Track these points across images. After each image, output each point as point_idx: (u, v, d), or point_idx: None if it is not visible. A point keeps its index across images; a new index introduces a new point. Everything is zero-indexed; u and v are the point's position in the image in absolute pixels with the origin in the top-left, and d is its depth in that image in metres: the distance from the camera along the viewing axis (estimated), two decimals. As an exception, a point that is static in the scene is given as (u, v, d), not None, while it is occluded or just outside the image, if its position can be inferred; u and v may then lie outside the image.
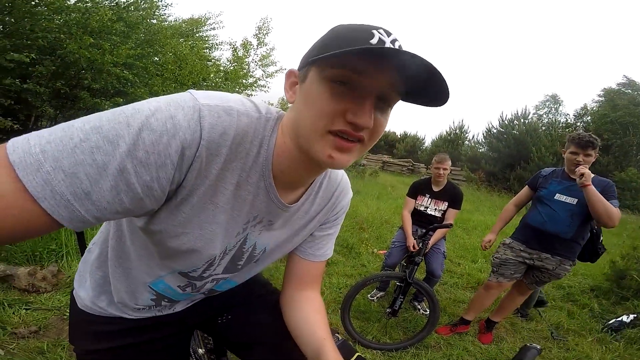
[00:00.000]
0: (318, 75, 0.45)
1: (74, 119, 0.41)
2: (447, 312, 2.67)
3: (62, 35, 3.57)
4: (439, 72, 0.41)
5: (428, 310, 2.14)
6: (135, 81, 4.45)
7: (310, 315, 0.70)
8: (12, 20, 3.35)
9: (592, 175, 1.80)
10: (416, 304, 2.62)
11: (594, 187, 1.76)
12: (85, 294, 0.69)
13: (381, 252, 3.90)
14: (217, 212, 0.53)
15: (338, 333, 0.82)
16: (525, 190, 2.20)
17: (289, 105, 0.53)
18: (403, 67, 0.41)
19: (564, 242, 1.94)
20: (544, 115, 17.53)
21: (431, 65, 0.40)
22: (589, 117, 15.36)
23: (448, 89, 0.43)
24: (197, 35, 8.34)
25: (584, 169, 1.76)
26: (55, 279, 1.96)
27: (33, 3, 3.60)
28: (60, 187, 0.36)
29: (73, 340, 0.73)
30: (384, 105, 0.48)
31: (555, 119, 16.91)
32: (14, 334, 1.53)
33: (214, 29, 8.93)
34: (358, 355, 0.76)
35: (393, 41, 0.44)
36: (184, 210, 0.49)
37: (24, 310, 1.69)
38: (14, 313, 1.66)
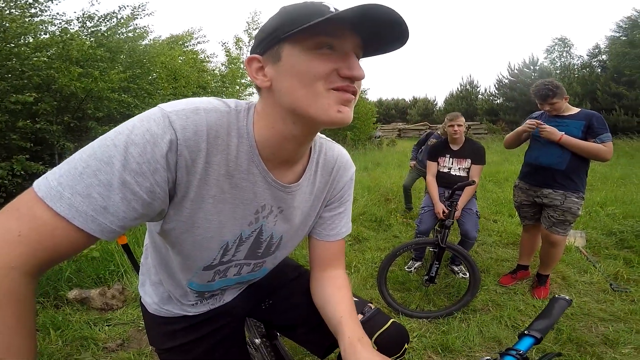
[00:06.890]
0: (298, 48, 0.50)
1: None
2: (491, 272, 2.54)
3: (51, 71, 3.64)
4: (396, 16, 0.46)
5: (468, 273, 2.06)
6: (135, 103, 4.50)
7: (331, 295, 0.73)
8: None
9: (567, 112, 1.98)
10: (454, 267, 2.53)
11: (566, 136, 1.89)
12: (150, 300, 0.78)
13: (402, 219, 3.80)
14: (218, 203, 0.57)
15: (371, 303, 0.84)
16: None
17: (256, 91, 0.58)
18: (372, 23, 0.48)
19: (560, 173, 1.98)
20: (556, 59, 16.52)
21: (386, 12, 0.45)
22: (604, 56, 14.05)
23: (407, 28, 0.49)
24: (185, 48, 8.18)
25: (545, 130, 1.91)
26: (123, 295, 2.14)
27: (12, 45, 3.66)
28: (82, 207, 0.44)
29: (153, 342, 0.82)
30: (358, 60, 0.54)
31: (569, 62, 16.02)
32: (105, 349, 1.69)
33: (199, 43, 8.79)
34: (392, 321, 0.79)
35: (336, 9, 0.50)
36: (186, 206, 0.55)
37: (107, 327, 1.85)
38: (99, 330, 1.82)
